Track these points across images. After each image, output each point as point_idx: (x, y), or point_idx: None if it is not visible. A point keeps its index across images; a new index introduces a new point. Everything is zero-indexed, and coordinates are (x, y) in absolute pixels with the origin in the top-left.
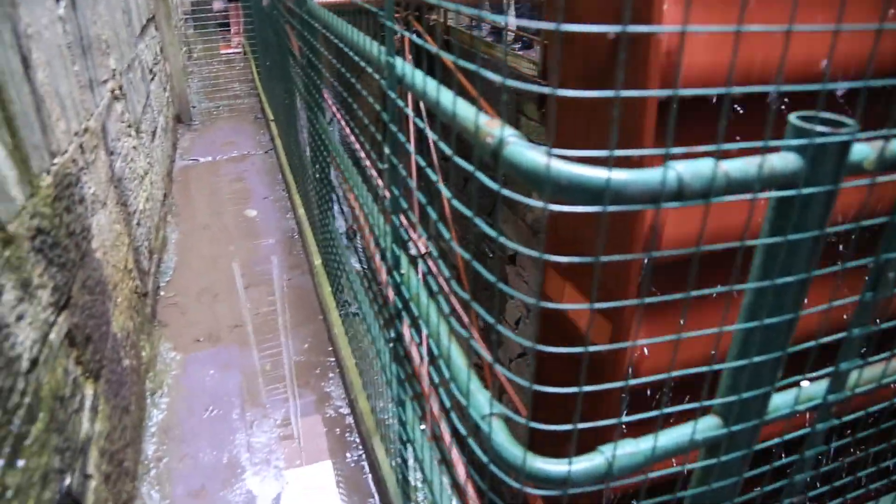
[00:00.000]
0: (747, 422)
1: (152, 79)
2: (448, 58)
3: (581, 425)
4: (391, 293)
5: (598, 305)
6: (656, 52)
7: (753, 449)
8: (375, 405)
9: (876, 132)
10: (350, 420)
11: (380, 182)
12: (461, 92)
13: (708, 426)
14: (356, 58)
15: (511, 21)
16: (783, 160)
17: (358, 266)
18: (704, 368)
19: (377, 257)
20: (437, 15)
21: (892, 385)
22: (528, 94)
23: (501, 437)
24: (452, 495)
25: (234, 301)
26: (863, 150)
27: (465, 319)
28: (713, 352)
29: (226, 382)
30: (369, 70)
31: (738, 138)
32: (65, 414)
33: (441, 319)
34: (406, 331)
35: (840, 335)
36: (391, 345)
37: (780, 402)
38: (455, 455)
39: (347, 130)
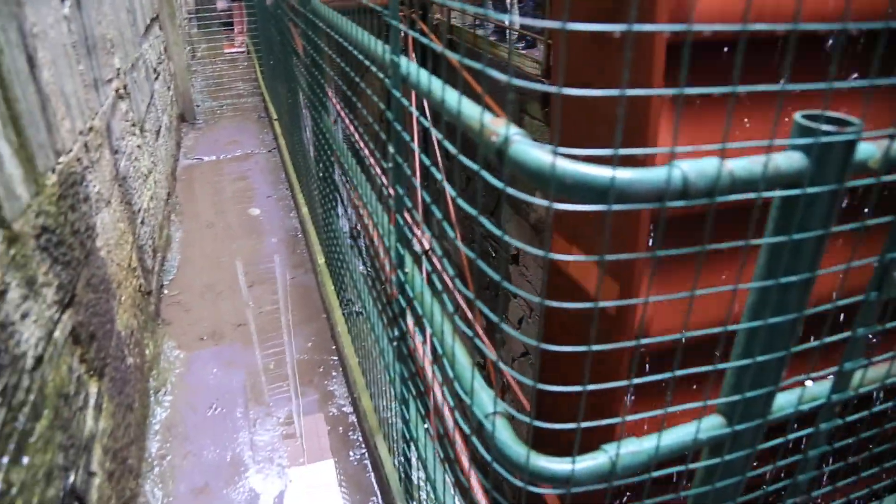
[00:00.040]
0: (751, 421)
1: (156, 78)
2: (453, 57)
3: (585, 424)
4: (395, 292)
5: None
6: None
7: (757, 448)
8: (378, 404)
9: (881, 131)
10: (353, 418)
11: (384, 180)
12: (466, 90)
13: (711, 425)
14: (360, 56)
15: (515, 20)
16: (788, 159)
17: (361, 266)
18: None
19: (381, 256)
20: (441, 14)
21: None
22: (532, 93)
23: (505, 435)
24: (455, 494)
25: (238, 299)
26: (868, 149)
27: (469, 318)
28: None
29: (229, 380)
30: (374, 69)
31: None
32: (69, 411)
33: (445, 318)
34: (410, 329)
35: (845, 335)
36: (395, 343)
37: (784, 401)
38: (461, 453)
39: (352, 128)
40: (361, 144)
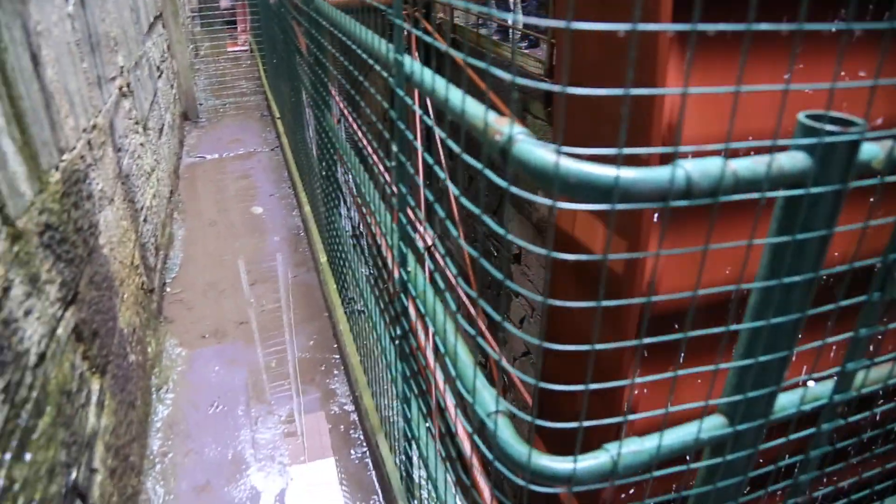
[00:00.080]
0: (753, 421)
1: (159, 76)
2: (458, 55)
3: (587, 423)
4: (397, 290)
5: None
6: None
7: (758, 448)
8: (380, 402)
9: (885, 132)
10: (354, 417)
11: (387, 177)
12: (470, 89)
13: (713, 425)
14: (364, 55)
15: (519, 19)
16: (792, 159)
17: (364, 266)
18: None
19: (384, 254)
20: (444, 13)
21: None
22: (535, 93)
23: (507, 434)
24: (457, 493)
25: (240, 298)
26: (872, 150)
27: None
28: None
29: (231, 379)
30: (377, 68)
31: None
32: (71, 408)
33: (447, 317)
34: (412, 328)
35: (847, 335)
36: (397, 342)
37: (786, 401)
38: (468, 452)
39: (355, 127)
40: (365, 143)
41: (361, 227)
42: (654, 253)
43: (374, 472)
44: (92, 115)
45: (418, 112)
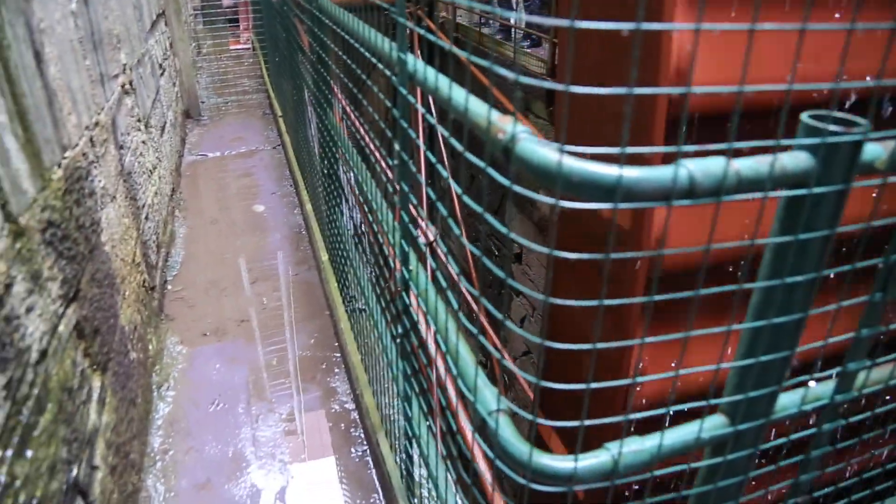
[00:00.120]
0: (754, 421)
1: (162, 74)
2: (462, 54)
3: (589, 422)
4: (399, 288)
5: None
6: None
7: (759, 448)
8: (380, 401)
9: (889, 132)
10: (355, 415)
11: (389, 174)
12: (472, 88)
13: (714, 425)
14: (367, 53)
15: (522, 18)
16: (794, 159)
17: (365, 264)
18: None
19: (385, 253)
20: (447, 12)
21: None
22: (537, 93)
23: (508, 432)
24: (457, 491)
25: (241, 296)
26: (875, 150)
27: (474, 316)
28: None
29: (232, 376)
30: (380, 66)
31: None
32: (72, 405)
33: (449, 315)
34: (413, 327)
35: (849, 335)
36: (398, 340)
37: (787, 401)
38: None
39: (357, 125)
40: (367, 141)
41: (363, 225)
42: (656, 252)
43: (374, 471)
44: (94, 113)
45: (421, 110)
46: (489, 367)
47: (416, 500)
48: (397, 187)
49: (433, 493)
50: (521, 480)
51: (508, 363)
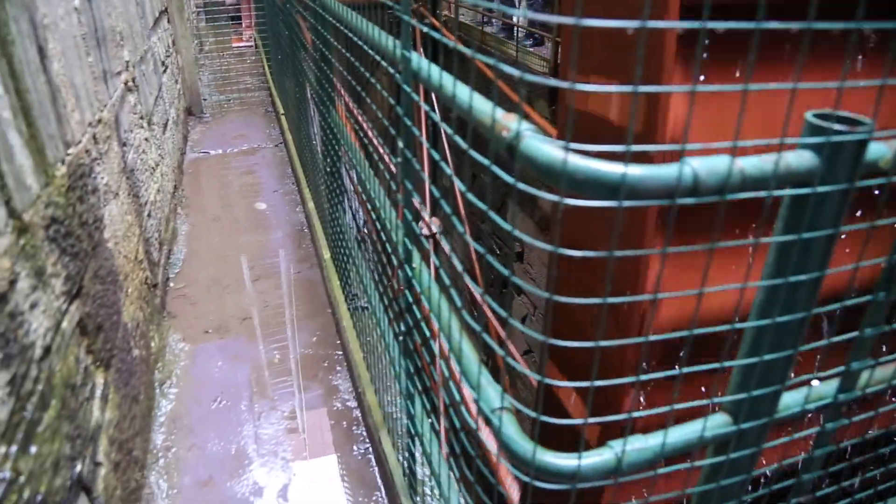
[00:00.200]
0: (757, 420)
1: (164, 71)
2: (466, 51)
3: (592, 421)
4: (402, 286)
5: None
6: None
7: (762, 447)
8: (383, 399)
9: (894, 131)
10: (357, 413)
11: (392, 170)
12: (476, 86)
13: (717, 423)
14: (370, 51)
15: (525, 16)
16: (799, 158)
17: (368, 264)
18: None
19: (388, 250)
20: (449, 11)
21: None
22: (539, 91)
23: (511, 430)
24: (460, 489)
25: (243, 293)
26: (879, 149)
27: (475, 314)
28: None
29: (234, 374)
30: (384, 64)
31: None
32: (76, 402)
33: (452, 313)
34: (416, 324)
35: (852, 334)
36: (401, 338)
37: (791, 400)
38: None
39: (360, 122)
40: (371, 138)
41: (365, 223)
42: (660, 251)
43: (376, 469)
44: (97, 110)
45: (424, 108)
46: (491, 366)
47: (418, 499)
48: (400, 185)
49: (436, 492)
50: (525, 478)
51: (518, 362)
